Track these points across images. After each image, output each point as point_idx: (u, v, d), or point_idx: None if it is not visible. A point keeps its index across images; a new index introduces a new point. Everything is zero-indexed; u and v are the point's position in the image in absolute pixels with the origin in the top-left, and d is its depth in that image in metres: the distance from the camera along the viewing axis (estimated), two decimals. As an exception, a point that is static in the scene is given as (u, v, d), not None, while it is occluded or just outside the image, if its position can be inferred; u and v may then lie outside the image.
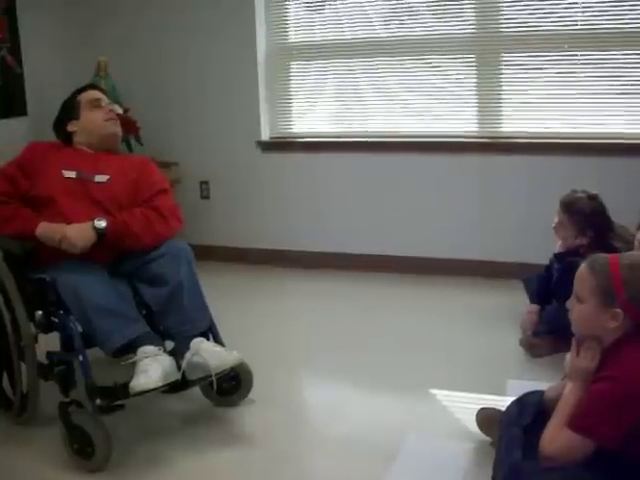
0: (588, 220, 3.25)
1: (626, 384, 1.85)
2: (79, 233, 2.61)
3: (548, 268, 3.46)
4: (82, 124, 2.96)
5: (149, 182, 2.90)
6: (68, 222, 2.65)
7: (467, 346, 3.40)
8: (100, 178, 2.82)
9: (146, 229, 2.72)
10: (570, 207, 3.30)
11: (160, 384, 2.37)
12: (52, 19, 4.86)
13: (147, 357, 2.40)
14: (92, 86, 3.18)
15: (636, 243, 2.94)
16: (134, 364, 2.41)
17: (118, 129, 3.03)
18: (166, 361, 2.43)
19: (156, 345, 2.48)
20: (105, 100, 3.04)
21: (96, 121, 2.95)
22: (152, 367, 2.37)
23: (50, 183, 2.76)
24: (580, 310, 2.01)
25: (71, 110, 2.99)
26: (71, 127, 2.97)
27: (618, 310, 1.92)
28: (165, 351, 2.51)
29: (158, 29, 4.91)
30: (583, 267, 2.01)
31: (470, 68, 4.40)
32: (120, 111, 3.21)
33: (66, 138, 2.98)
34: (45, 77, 4.76)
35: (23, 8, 4.59)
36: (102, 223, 2.63)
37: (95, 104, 2.98)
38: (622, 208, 3.24)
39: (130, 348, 2.45)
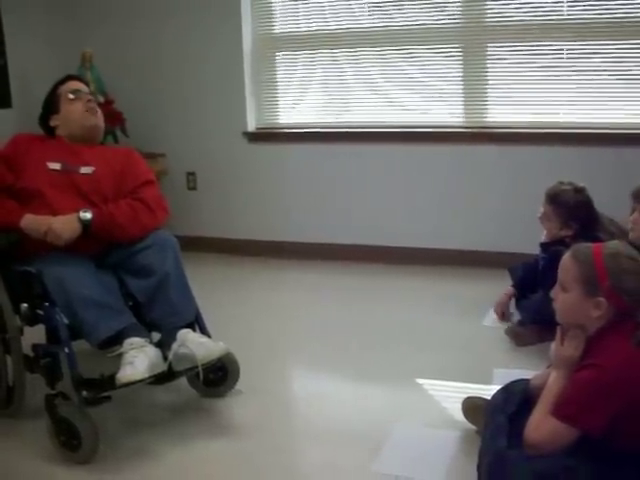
0: (572, 212, 3.25)
1: (610, 372, 1.87)
2: (64, 225, 2.59)
3: (537, 257, 3.48)
4: (63, 117, 2.91)
5: (134, 173, 2.89)
6: (54, 214, 2.63)
7: (453, 335, 3.42)
8: (85, 169, 2.80)
9: (132, 220, 2.71)
10: (554, 199, 3.30)
11: (146, 375, 2.36)
12: (37, 9, 4.81)
13: (133, 349, 2.39)
14: (71, 77, 3.10)
15: (630, 225, 2.97)
16: (120, 356, 2.41)
17: (98, 120, 2.97)
18: (152, 352, 2.42)
19: (142, 336, 2.47)
20: (84, 90, 2.98)
21: (75, 113, 2.90)
22: (138, 358, 2.36)
23: (35, 176, 2.74)
24: (564, 299, 2.02)
25: (51, 104, 2.95)
26: (53, 122, 2.93)
27: (602, 299, 1.94)
28: (151, 342, 2.51)
29: (144, 22, 4.88)
30: (567, 256, 2.03)
31: (456, 58, 4.41)
32: (101, 100, 3.15)
33: (50, 132, 2.95)
34: (30, 68, 4.72)
35: (7, -1, 4.56)
36: (87, 215, 2.62)
37: (73, 96, 2.92)
38: (608, 198, 3.25)
39: (116, 340, 2.45)
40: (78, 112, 2.90)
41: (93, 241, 2.70)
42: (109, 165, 2.85)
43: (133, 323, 2.52)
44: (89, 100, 2.96)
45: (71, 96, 2.92)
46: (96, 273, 2.62)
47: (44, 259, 2.55)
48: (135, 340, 2.43)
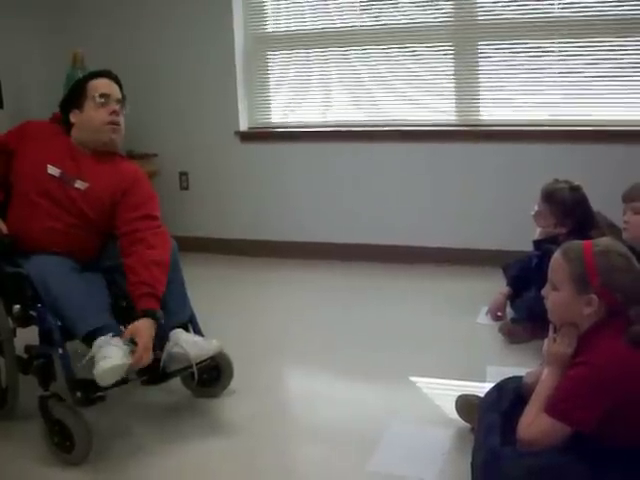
0: (568, 211, 3.25)
1: (602, 369, 1.87)
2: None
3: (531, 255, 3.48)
4: (82, 119, 2.73)
5: (134, 202, 2.71)
6: (32, 221, 2.62)
7: (447, 333, 3.43)
8: (79, 184, 2.68)
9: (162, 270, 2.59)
10: (550, 197, 3.30)
11: (126, 361, 2.31)
12: (28, 10, 4.80)
13: (101, 347, 2.34)
14: (107, 74, 2.80)
15: (624, 225, 2.99)
16: (92, 360, 2.34)
17: (117, 135, 2.76)
18: (122, 344, 2.36)
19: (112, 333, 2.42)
20: (114, 97, 2.74)
21: (96, 122, 2.70)
22: (109, 350, 2.31)
23: (32, 178, 2.68)
24: (555, 298, 2.03)
25: (77, 96, 2.75)
26: (73, 117, 2.75)
27: (593, 296, 1.94)
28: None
29: (135, 20, 4.88)
30: (557, 255, 2.03)
31: (447, 57, 4.41)
32: (127, 109, 2.82)
33: (67, 124, 2.77)
34: (22, 69, 4.71)
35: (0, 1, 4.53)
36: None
37: (100, 100, 2.70)
38: (603, 196, 3.25)
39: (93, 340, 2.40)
40: (99, 122, 2.71)
41: (84, 252, 2.70)
42: (107, 185, 2.71)
43: (109, 324, 2.46)
44: (114, 111, 2.73)
45: (98, 100, 2.71)
46: (81, 273, 2.60)
47: (30, 260, 2.54)
48: (102, 338, 2.36)
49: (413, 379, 2.97)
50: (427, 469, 2.31)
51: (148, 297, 2.51)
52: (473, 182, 4.40)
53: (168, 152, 4.98)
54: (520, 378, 2.26)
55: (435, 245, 4.48)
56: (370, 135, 4.62)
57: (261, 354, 3.28)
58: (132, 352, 2.36)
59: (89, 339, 2.42)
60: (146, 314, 2.47)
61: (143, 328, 2.43)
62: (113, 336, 2.39)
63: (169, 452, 2.47)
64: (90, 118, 2.72)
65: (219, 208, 5.00)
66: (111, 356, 2.30)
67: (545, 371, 2.04)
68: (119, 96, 2.77)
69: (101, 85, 2.75)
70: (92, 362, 2.36)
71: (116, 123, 2.74)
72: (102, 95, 2.72)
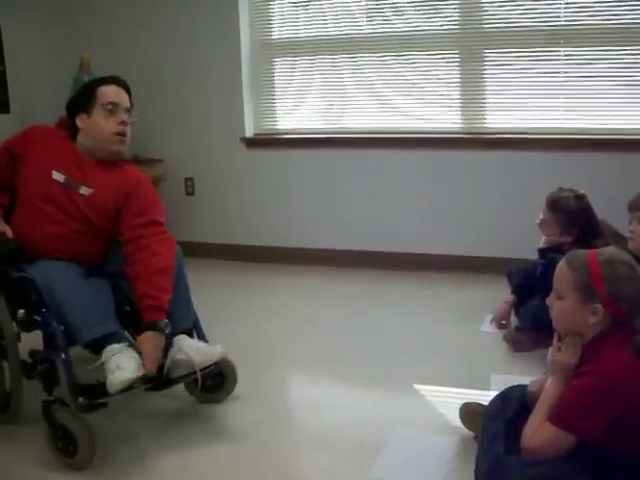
0: (572, 219, 3.25)
1: (607, 379, 1.87)
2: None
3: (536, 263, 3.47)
4: (90, 125, 2.70)
5: (138, 208, 2.70)
6: (35, 226, 2.63)
7: (451, 341, 3.42)
8: (84, 190, 2.68)
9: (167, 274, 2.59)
10: (555, 205, 3.30)
11: (138, 374, 2.34)
12: (35, 15, 4.82)
13: (115, 354, 2.37)
14: (117, 81, 2.77)
15: (629, 234, 2.99)
16: (102, 365, 2.37)
17: (124, 146, 2.76)
18: (136, 354, 2.41)
19: (123, 342, 2.45)
20: (122, 106, 2.72)
21: (104, 132, 2.69)
22: (123, 359, 2.34)
23: (36, 183, 2.68)
24: (560, 307, 2.02)
25: (86, 101, 2.72)
26: (80, 122, 2.72)
27: (598, 305, 1.94)
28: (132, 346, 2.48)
29: (141, 25, 4.90)
30: (562, 264, 2.03)
31: (453, 64, 4.42)
32: (135, 120, 2.80)
33: (73, 130, 2.75)
34: (28, 74, 4.73)
35: (5, 3, 4.55)
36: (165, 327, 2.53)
37: (110, 109, 2.69)
38: (608, 205, 3.24)
39: (101, 346, 2.42)
40: (107, 133, 2.69)
41: (88, 257, 2.70)
42: (111, 190, 2.70)
43: (116, 332, 2.49)
44: (123, 122, 2.72)
45: (107, 109, 2.69)
46: (86, 278, 2.61)
47: (36, 265, 2.55)
48: (115, 346, 2.40)
49: (417, 387, 2.97)
50: (430, 477, 2.31)
51: (153, 310, 2.52)
52: (477, 189, 4.40)
53: (174, 157, 4.99)
54: (524, 387, 2.25)
55: (438, 252, 4.47)
56: (376, 142, 4.62)
57: (265, 360, 3.28)
58: (143, 365, 2.40)
59: (94, 346, 2.44)
60: (150, 327, 2.49)
61: (148, 341, 2.46)
62: (128, 346, 2.43)
63: (172, 458, 2.47)
64: (98, 126, 2.70)
65: (224, 214, 5.01)
66: (125, 367, 2.33)
67: (549, 380, 2.04)
68: (128, 105, 2.76)
69: (111, 92, 2.73)
70: (101, 367, 2.37)
71: (123, 134, 2.73)
72: (111, 103, 2.70)
